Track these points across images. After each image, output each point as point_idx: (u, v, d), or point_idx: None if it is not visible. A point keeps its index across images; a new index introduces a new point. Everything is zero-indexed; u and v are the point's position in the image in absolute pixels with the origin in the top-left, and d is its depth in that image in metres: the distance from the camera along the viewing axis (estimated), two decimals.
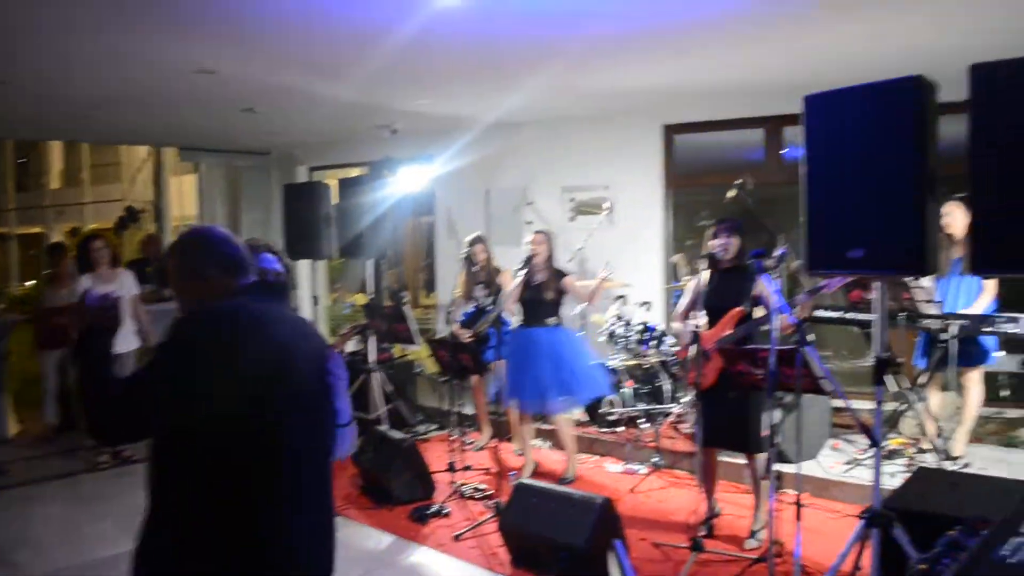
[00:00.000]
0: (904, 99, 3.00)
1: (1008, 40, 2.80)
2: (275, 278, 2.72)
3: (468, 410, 7.44)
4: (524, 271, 5.91)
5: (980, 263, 2.98)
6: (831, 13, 4.90)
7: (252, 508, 2.13)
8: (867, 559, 3.40)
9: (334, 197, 7.74)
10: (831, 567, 3.41)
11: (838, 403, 6.85)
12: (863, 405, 4.77)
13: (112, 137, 11.88)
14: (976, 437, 6.30)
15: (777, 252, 4.07)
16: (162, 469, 2.15)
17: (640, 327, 7.08)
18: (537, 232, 6.09)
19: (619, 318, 7.27)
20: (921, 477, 4.09)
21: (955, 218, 5.67)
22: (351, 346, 8.07)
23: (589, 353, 6.27)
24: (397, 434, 6.17)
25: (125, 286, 6.84)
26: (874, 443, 3.26)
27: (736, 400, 4.60)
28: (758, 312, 4.75)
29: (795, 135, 7.90)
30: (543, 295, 5.95)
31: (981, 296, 5.66)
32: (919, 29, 5.15)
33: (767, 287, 4.46)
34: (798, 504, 3.71)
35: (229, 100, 7.17)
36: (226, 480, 2.10)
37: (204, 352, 2.10)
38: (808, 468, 5.81)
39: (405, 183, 7.93)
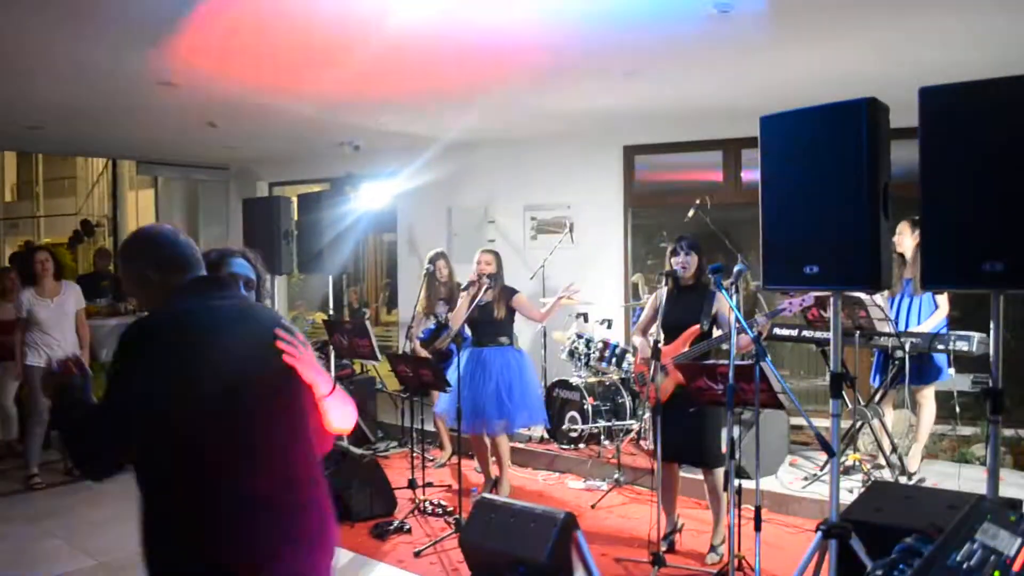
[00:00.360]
0: (857, 119, 3.08)
1: (951, 68, 2.90)
2: (246, 285, 2.72)
3: (429, 427, 7.41)
4: (470, 290, 5.84)
5: (930, 279, 3.07)
6: (784, 39, 5.03)
7: (223, 503, 2.14)
8: (825, 572, 3.45)
9: (294, 213, 7.71)
10: None
11: (796, 420, 6.99)
12: (820, 423, 4.85)
13: (67, 148, 11.68)
14: (931, 453, 6.44)
15: (736, 268, 4.14)
16: (146, 472, 2.17)
17: (601, 345, 7.13)
18: (484, 251, 6.02)
19: (580, 336, 7.32)
20: (877, 490, 4.16)
21: (904, 237, 5.82)
22: None
23: (533, 379, 6.25)
24: (358, 450, 6.12)
25: (70, 299, 6.84)
26: (830, 453, 3.32)
27: (693, 415, 4.65)
28: (716, 331, 4.82)
29: (753, 158, 8.09)
30: (492, 315, 5.91)
31: (935, 314, 5.80)
32: (869, 57, 5.30)
33: (725, 304, 4.54)
34: (758, 517, 3.74)
35: (190, 113, 7.13)
36: (198, 478, 2.13)
37: (153, 360, 2.11)
38: (767, 484, 5.90)
39: (366, 200, 7.92)
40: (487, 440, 6.09)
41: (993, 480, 3.00)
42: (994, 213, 2.83)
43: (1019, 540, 2.10)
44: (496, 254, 6.02)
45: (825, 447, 3.30)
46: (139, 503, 2.17)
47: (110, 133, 8.39)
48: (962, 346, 5.37)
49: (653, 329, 4.98)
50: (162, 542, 2.15)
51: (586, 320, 7.63)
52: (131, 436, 2.09)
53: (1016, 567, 1.96)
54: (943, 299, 5.82)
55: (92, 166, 15.83)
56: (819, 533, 3.40)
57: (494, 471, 6.16)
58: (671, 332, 4.84)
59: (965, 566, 1.94)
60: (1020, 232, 2.78)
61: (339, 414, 2.50)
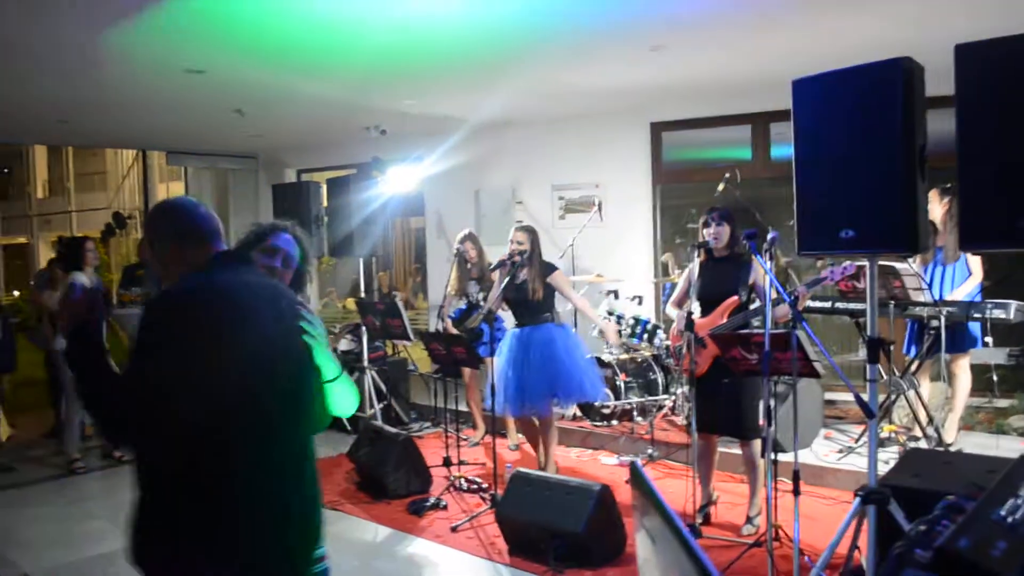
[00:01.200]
0: (893, 80, 3.04)
1: (982, 34, 2.85)
2: (284, 261, 2.73)
3: (462, 407, 7.45)
4: (504, 269, 5.70)
5: (968, 239, 3.04)
6: (810, 6, 4.97)
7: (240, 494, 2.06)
8: (863, 538, 3.44)
9: (323, 197, 7.77)
10: (829, 544, 3.44)
11: (830, 395, 6.97)
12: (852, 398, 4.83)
13: (96, 140, 11.85)
14: (967, 425, 6.38)
15: (769, 235, 4.11)
16: (154, 461, 2.07)
17: (632, 321, 7.11)
18: (517, 228, 5.81)
19: (611, 312, 7.31)
20: (914, 457, 4.14)
21: (934, 206, 5.75)
22: (344, 345, 8.09)
23: (583, 352, 5.97)
24: (392, 429, 6.18)
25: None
26: (869, 415, 3.30)
27: (730, 386, 4.64)
28: (754, 303, 4.79)
29: (781, 132, 8.02)
30: (528, 294, 5.67)
31: (969, 280, 5.74)
32: (896, 23, 5.23)
33: (761, 274, 4.51)
34: (796, 481, 3.73)
35: (218, 101, 7.20)
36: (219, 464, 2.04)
37: (188, 330, 2.01)
38: (802, 456, 5.86)
39: (394, 183, 7.96)
40: (536, 421, 5.92)
41: None
42: None
43: None
44: (530, 231, 5.77)
45: (864, 409, 3.28)
46: (141, 490, 2.07)
47: (138, 123, 8.49)
48: (999, 314, 5.31)
49: (687, 303, 4.97)
50: (168, 538, 2.03)
51: (617, 297, 7.63)
52: (158, 411, 1.95)
53: None
54: (976, 266, 5.75)
55: (122, 160, 16.05)
56: (857, 499, 3.39)
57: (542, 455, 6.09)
58: (707, 304, 4.82)
59: (1010, 520, 1.93)
60: None
61: (342, 399, 2.51)
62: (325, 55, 5.77)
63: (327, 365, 2.38)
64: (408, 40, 5.40)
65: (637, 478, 1.42)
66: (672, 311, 5.16)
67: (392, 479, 5.74)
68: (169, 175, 13.67)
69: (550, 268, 5.78)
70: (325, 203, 7.91)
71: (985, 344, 5.74)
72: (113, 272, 13.86)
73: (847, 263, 4.52)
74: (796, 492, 3.69)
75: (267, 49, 5.57)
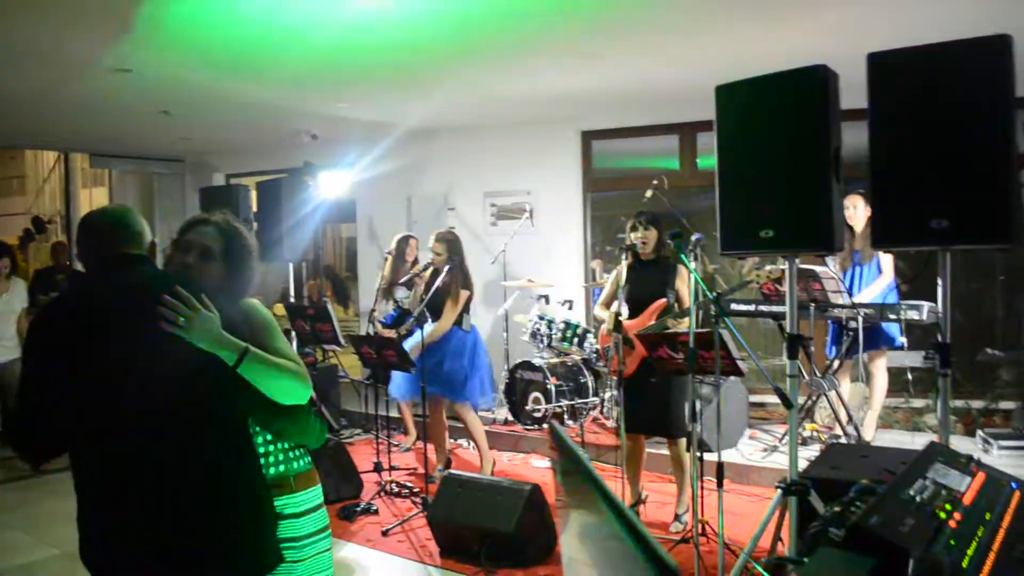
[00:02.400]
0: (810, 85, 3.16)
1: (901, 40, 3.01)
2: (203, 254, 2.53)
3: (393, 413, 7.42)
4: (422, 277, 5.87)
5: (881, 238, 3.17)
6: (737, 18, 5.13)
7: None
8: (786, 529, 3.55)
9: (252, 201, 7.66)
10: (753, 535, 3.54)
11: (755, 398, 7.15)
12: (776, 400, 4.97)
13: (16, 141, 11.44)
14: (885, 423, 6.63)
15: (694, 237, 4.22)
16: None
17: (562, 325, 7.19)
18: (436, 239, 5.94)
19: (541, 317, 7.38)
20: (833, 451, 4.28)
21: (858, 210, 5.98)
22: None
23: (482, 358, 6.14)
24: None
25: (16, 297, 7.05)
26: (788, 405, 3.41)
27: (657, 387, 4.74)
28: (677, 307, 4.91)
29: (708, 142, 8.20)
30: (443, 301, 5.87)
31: (879, 278, 5.99)
32: (821, 37, 5.41)
33: (685, 278, 4.66)
34: (719, 479, 3.83)
35: (145, 101, 7.04)
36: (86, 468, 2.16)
37: (36, 348, 2.19)
38: (728, 456, 6.02)
39: (325, 189, 7.89)
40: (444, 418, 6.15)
41: (944, 430, 3.11)
42: (940, 172, 2.93)
43: (969, 478, 2.21)
44: (447, 240, 5.90)
45: (783, 399, 3.39)
46: None
47: (61, 124, 8.25)
48: (913, 315, 5.53)
49: (615, 305, 5.06)
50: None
51: (547, 302, 7.70)
52: (36, 420, 2.16)
53: (966, 501, 2.06)
54: (888, 265, 6.01)
55: (42, 162, 15.53)
56: (779, 491, 3.50)
57: (442, 457, 6.20)
58: (635, 306, 4.92)
59: (917, 499, 2.03)
60: (965, 190, 2.89)
61: (272, 384, 2.29)
62: (257, 56, 5.71)
63: (219, 351, 2.19)
64: (342, 43, 5.38)
65: (556, 436, 1.46)
66: (601, 312, 5.25)
67: (322, 485, 5.66)
68: (92, 179, 13.28)
69: (465, 284, 5.92)
70: (254, 207, 7.80)
71: (900, 345, 5.98)
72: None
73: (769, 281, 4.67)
74: (719, 484, 3.78)
75: (197, 49, 5.49)
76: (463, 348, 5.96)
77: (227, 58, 5.75)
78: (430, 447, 6.16)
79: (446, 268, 5.78)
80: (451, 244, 5.90)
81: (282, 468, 2.66)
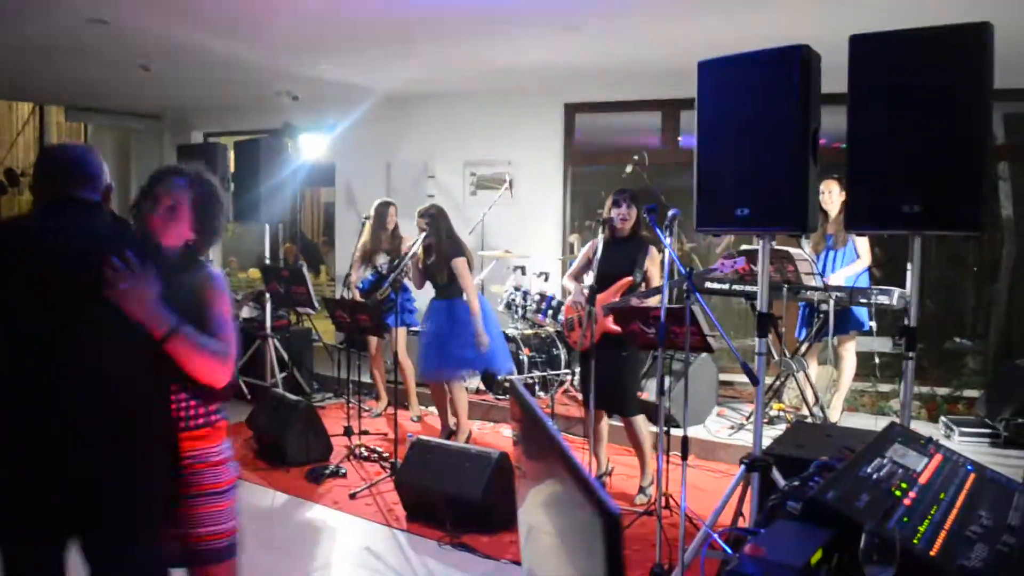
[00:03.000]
0: (790, 65, 3.16)
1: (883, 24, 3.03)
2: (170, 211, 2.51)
3: (365, 379, 7.43)
4: (415, 250, 5.83)
5: (854, 221, 3.20)
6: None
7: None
8: (748, 505, 3.61)
9: (231, 161, 7.60)
10: (714, 509, 3.60)
11: (724, 376, 7.22)
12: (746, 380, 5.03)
13: None
14: (851, 407, 6.73)
15: (670, 212, 4.23)
16: None
17: (537, 297, 7.21)
18: (420, 214, 5.90)
19: (517, 288, 7.39)
20: (798, 429, 4.35)
21: (832, 194, 6.01)
22: (247, 312, 7.95)
23: (496, 326, 6.20)
24: (293, 397, 6.12)
25: None
26: (754, 381, 3.46)
27: (610, 366, 4.76)
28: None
29: (691, 120, 8.22)
30: (436, 277, 5.95)
31: (856, 262, 6.04)
32: (804, 18, 5.42)
33: (657, 261, 4.70)
34: (684, 451, 3.87)
35: (122, 55, 6.91)
36: None
37: None
38: (696, 432, 6.09)
39: (304, 151, 7.84)
40: (446, 388, 6.15)
41: (905, 412, 3.16)
42: (914, 157, 2.96)
43: (926, 459, 2.26)
44: (430, 216, 5.86)
45: (749, 375, 3.44)
46: None
47: (36, 75, 8.09)
48: (883, 300, 5.58)
49: (585, 278, 5.08)
50: None
51: (523, 273, 7.72)
52: None
53: (922, 480, 2.11)
54: (864, 250, 6.05)
55: (17, 114, 15.26)
56: (742, 467, 3.55)
57: (452, 421, 6.22)
58: (604, 280, 4.93)
59: (874, 476, 2.08)
60: (938, 176, 2.92)
61: (193, 364, 2.31)
62: (238, 13, 5.63)
63: (150, 322, 2.22)
64: (328, 6, 5.30)
65: (514, 392, 1.48)
66: (569, 284, 5.26)
67: (292, 446, 5.70)
68: (68, 132, 13.08)
69: (454, 253, 5.88)
70: (232, 167, 7.74)
71: (870, 329, 6.05)
72: None
73: (738, 258, 4.69)
74: (684, 458, 3.83)
75: (175, 2, 5.39)
76: (487, 318, 5.98)
77: (207, 14, 5.66)
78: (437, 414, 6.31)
79: (434, 245, 5.83)
80: (435, 220, 5.86)
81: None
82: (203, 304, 2.43)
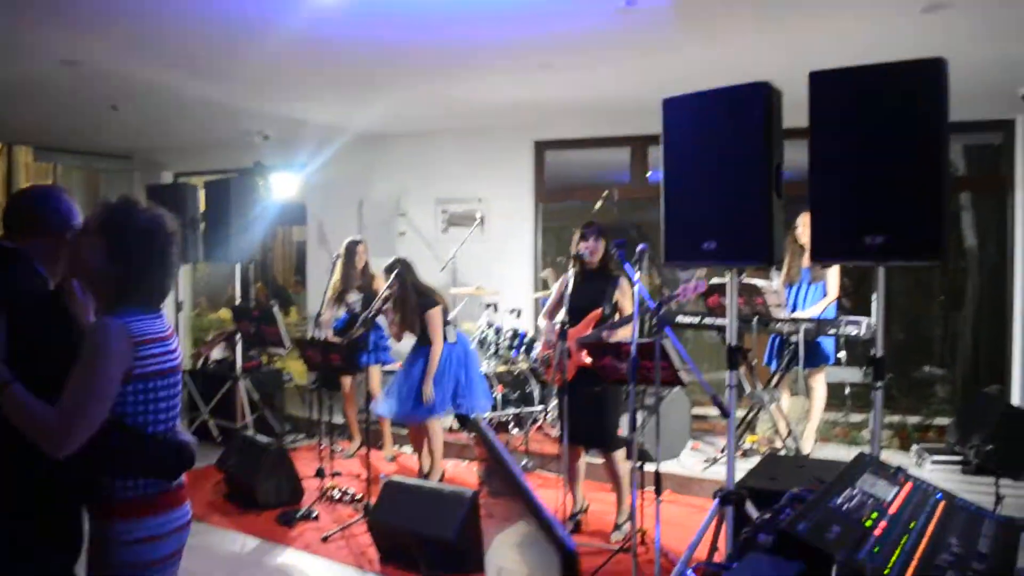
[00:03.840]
0: (754, 101, 3.23)
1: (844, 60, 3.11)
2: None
3: (338, 419, 7.36)
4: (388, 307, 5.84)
5: (818, 251, 3.25)
6: (688, 35, 5.21)
7: None
8: (724, 538, 3.59)
9: (201, 201, 7.56)
10: (689, 545, 3.58)
11: (697, 410, 7.23)
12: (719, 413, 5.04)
13: None
14: (824, 437, 6.76)
15: (639, 248, 4.27)
16: None
17: (510, 334, 7.21)
18: (385, 272, 5.88)
19: (490, 325, 7.39)
20: (771, 461, 4.36)
21: (808, 228, 6.07)
22: (217, 353, 7.87)
23: (477, 367, 6.24)
24: (264, 439, 6.05)
25: None
26: (724, 413, 3.47)
27: (592, 400, 4.77)
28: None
29: (660, 156, 8.31)
30: (413, 329, 5.95)
31: (824, 299, 6.10)
32: (767, 55, 5.53)
33: (628, 294, 4.72)
34: (657, 486, 3.86)
35: (93, 95, 6.89)
36: None
37: None
38: (670, 467, 6.09)
39: (276, 190, 7.81)
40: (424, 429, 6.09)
41: (875, 441, 3.18)
42: (876, 190, 3.02)
43: (896, 488, 2.27)
44: (393, 271, 5.80)
45: (720, 408, 3.45)
46: None
47: (5, 115, 8.04)
48: (852, 330, 5.64)
49: (560, 314, 5.09)
50: None
51: (496, 310, 7.72)
52: None
53: (892, 510, 2.12)
54: (833, 285, 6.12)
55: None
56: (716, 500, 3.55)
57: (427, 462, 6.16)
58: (576, 315, 4.95)
59: (845, 507, 2.08)
60: (900, 208, 2.97)
61: (21, 427, 2.15)
62: (209, 54, 5.64)
63: None
64: (298, 43, 5.32)
65: (477, 429, 1.47)
66: (543, 322, 5.29)
67: (262, 489, 5.61)
68: (36, 172, 12.96)
69: (427, 304, 5.87)
70: (203, 207, 7.70)
71: (838, 360, 6.10)
72: None
73: (698, 282, 4.74)
74: (657, 493, 3.82)
75: (147, 43, 5.39)
76: (453, 362, 5.97)
77: (178, 55, 5.67)
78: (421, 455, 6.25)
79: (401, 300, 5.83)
80: (400, 275, 5.81)
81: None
82: (77, 360, 2.18)
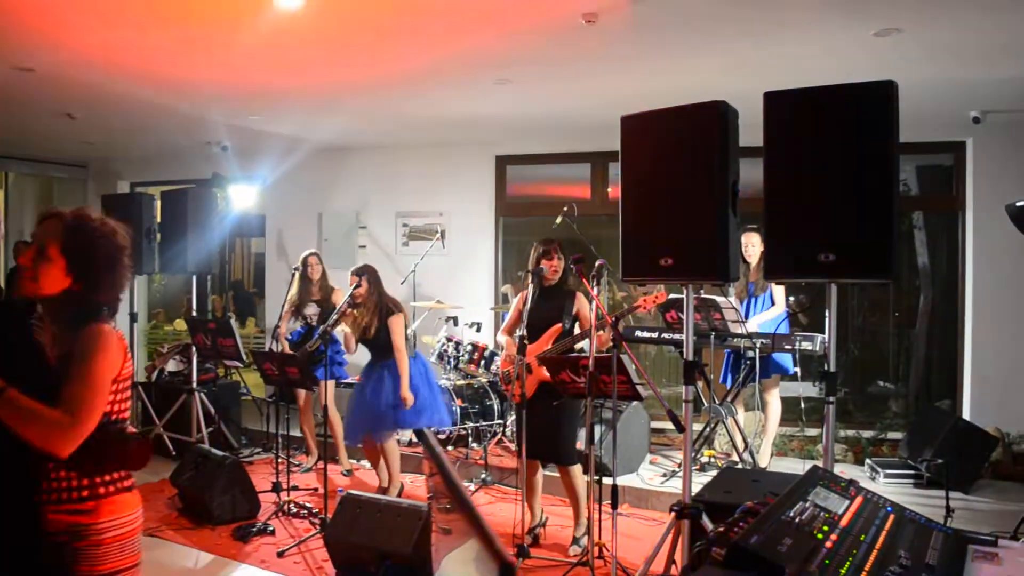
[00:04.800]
0: (710, 120, 3.28)
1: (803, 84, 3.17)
2: None
3: (295, 432, 7.29)
4: (351, 310, 5.74)
5: (772, 270, 3.29)
6: (647, 52, 5.28)
7: None
8: (680, 552, 3.62)
9: (157, 211, 7.47)
10: (647, 558, 3.60)
11: (656, 424, 7.28)
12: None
13: None
14: (780, 451, 6.84)
15: (596, 263, 4.31)
16: None
17: (470, 347, 7.20)
18: (352, 271, 5.80)
19: (449, 339, 7.38)
20: (727, 475, 4.40)
21: (754, 246, 6.21)
22: (172, 366, 7.75)
23: (435, 381, 6.15)
24: (219, 453, 5.96)
25: None
26: (679, 428, 3.50)
27: (548, 414, 4.79)
28: (577, 330, 4.98)
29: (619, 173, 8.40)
30: (373, 338, 5.82)
31: (772, 308, 6.24)
32: (725, 75, 5.62)
33: (585, 305, 4.76)
34: (614, 496, 3.88)
35: (48, 102, 6.77)
36: None
37: None
38: (628, 480, 6.11)
39: (234, 201, 7.75)
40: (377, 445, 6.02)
41: (828, 456, 3.23)
42: (828, 208, 3.07)
43: (847, 502, 2.30)
44: (362, 273, 5.76)
45: (675, 422, 3.48)
46: None
47: None
48: (807, 345, 5.73)
49: (518, 330, 5.10)
50: None
51: (456, 323, 7.71)
52: None
53: (843, 523, 2.15)
54: (780, 297, 6.27)
55: None
56: (673, 514, 3.57)
57: (385, 476, 6.11)
58: (535, 331, 4.96)
59: (797, 520, 2.11)
60: (851, 226, 3.03)
61: (23, 431, 2.14)
62: (165, 64, 5.59)
63: None
64: (255, 54, 5.30)
65: (424, 441, 1.48)
66: (502, 338, 5.30)
67: (217, 504, 5.53)
68: None
69: (390, 311, 5.80)
70: (159, 217, 7.61)
71: (795, 374, 6.20)
72: None
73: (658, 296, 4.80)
74: (614, 507, 3.83)
75: (101, 52, 5.33)
76: (414, 377, 5.85)
77: (135, 66, 5.60)
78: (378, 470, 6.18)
79: (368, 305, 5.76)
80: (368, 276, 5.77)
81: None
82: (72, 362, 2.23)
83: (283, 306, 6.72)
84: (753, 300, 6.40)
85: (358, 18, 4.68)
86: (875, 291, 8.65)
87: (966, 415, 6.93)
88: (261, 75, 5.97)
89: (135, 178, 10.55)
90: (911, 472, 6.16)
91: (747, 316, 6.29)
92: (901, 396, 8.59)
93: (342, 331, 6.04)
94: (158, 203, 7.65)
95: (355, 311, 5.76)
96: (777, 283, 6.14)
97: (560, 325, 4.94)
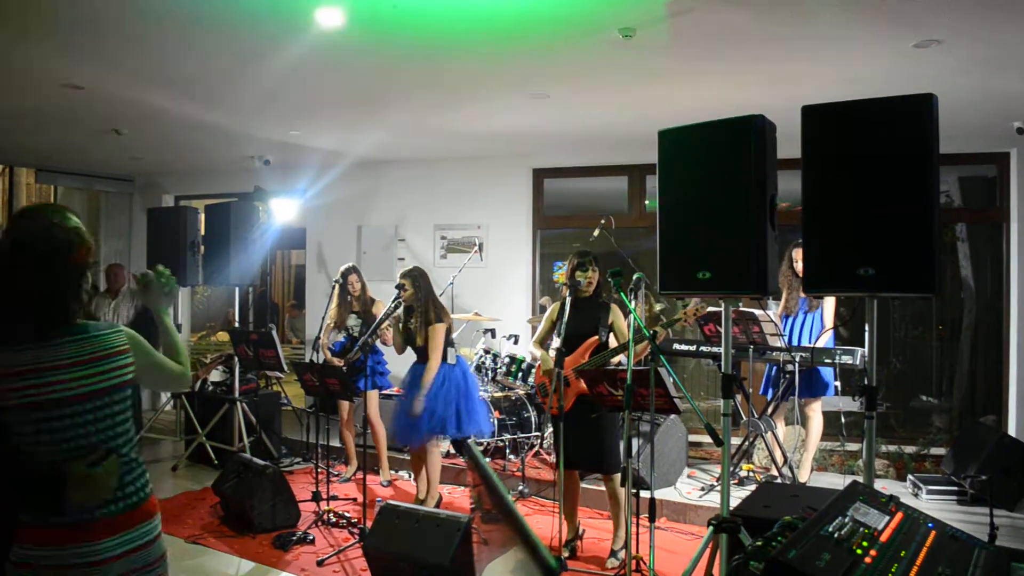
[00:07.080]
0: (747, 134, 3.28)
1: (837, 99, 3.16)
2: None
3: (335, 443, 7.37)
4: (394, 314, 5.78)
5: (811, 283, 3.28)
6: (684, 67, 5.29)
7: None
8: (718, 566, 3.60)
9: (201, 224, 7.62)
10: (684, 572, 3.59)
11: (694, 437, 7.24)
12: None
13: None
14: (820, 466, 6.77)
15: (635, 276, 4.32)
16: None
17: (507, 360, 7.23)
18: (402, 274, 5.88)
19: (487, 351, 7.41)
20: (766, 489, 4.37)
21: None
22: (216, 376, 7.88)
23: (476, 390, 6.12)
24: (261, 462, 6.04)
25: None
26: (717, 443, 3.49)
27: (592, 423, 4.80)
28: (613, 342, 4.99)
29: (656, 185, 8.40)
30: (414, 340, 5.90)
31: (823, 333, 6.12)
32: (761, 88, 5.61)
33: (621, 316, 4.76)
34: (652, 513, 3.88)
35: (95, 119, 6.96)
36: None
37: None
38: (666, 494, 6.09)
39: (276, 214, 7.87)
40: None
41: (868, 471, 3.20)
42: (868, 222, 3.05)
43: (887, 517, 2.29)
44: (411, 276, 5.85)
45: (713, 436, 3.47)
46: None
47: (7, 136, 8.10)
48: (847, 360, 5.68)
49: (552, 341, 5.12)
50: None
51: (493, 336, 7.75)
52: None
53: (883, 539, 2.14)
54: (829, 315, 6.15)
55: None
56: (711, 528, 3.56)
57: (424, 487, 6.15)
58: (571, 342, 4.97)
59: (836, 535, 2.10)
60: (890, 240, 3.01)
61: None
62: (211, 80, 5.72)
63: None
64: (299, 70, 5.40)
65: (469, 453, 1.51)
66: (536, 350, 5.31)
67: (258, 512, 5.61)
68: (38, 194, 13.03)
69: (438, 317, 5.84)
70: (203, 231, 7.75)
71: (836, 389, 6.13)
72: None
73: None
74: (652, 520, 3.83)
75: (149, 69, 5.46)
76: (451, 385, 5.86)
77: (180, 81, 5.74)
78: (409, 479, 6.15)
79: (414, 309, 5.80)
80: (416, 281, 5.85)
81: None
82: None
83: (323, 318, 6.80)
84: (806, 316, 6.31)
85: (398, 36, 4.76)
86: (917, 304, 8.54)
87: (1011, 431, 6.81)
88: (303, 91, 6.08)
89: (180, 191, 10.77)
90: (955, 489, 6.06)
91: (797, 331, 6.24)
92: (944, 411, 8.45)
93: (387, 328, 6.04)
94: (202, 216, 7.79)
95: (402, 315, 5.83)
96: (816, 297, 6.06)
97: (596, 337, 4.94)
